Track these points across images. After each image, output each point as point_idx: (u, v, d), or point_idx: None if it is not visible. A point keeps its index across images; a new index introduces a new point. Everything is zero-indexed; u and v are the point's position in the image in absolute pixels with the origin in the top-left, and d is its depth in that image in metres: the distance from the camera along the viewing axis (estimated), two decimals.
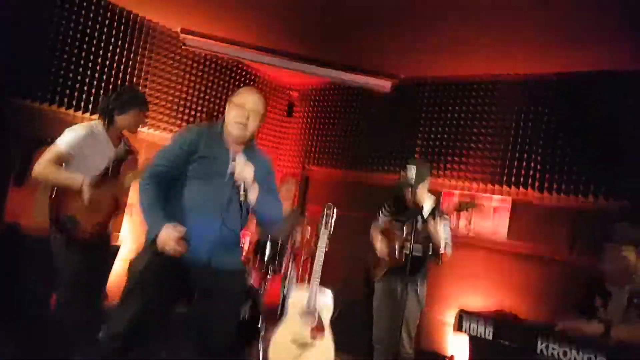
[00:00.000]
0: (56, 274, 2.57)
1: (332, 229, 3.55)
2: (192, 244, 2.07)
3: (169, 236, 2.00)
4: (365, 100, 5.24)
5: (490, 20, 3.36)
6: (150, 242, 2.05)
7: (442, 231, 3.04)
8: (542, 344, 2.40)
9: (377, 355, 3.31)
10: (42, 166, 2.50)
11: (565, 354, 2.36)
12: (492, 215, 4.24)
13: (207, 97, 5.08)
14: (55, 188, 2.51)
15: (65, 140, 2.57)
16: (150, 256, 2.11)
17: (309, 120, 5.77)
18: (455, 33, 3.64)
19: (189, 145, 2.18)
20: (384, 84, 4.90)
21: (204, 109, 5.05)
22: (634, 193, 3.45)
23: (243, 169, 2.12)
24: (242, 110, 2.19)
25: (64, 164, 2.54)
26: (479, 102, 4.43)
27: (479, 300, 3.95)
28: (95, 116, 4.07)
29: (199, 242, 2.09)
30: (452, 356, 3.67)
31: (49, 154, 2.53)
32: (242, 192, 2.13)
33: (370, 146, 5.09)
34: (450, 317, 3.98)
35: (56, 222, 2.51)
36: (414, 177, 3.11)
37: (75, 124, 2.71)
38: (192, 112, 4.97)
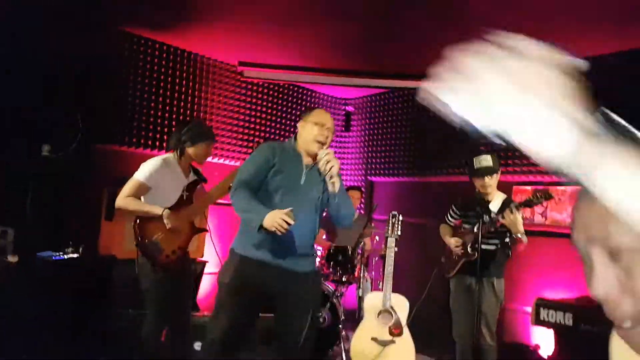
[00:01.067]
0: (144, 296, 2.87)
1: (398, 233, 3.69)
2: (273, 250, 2.36)
3: (275, 215, 2.23)
4: (420, 103, 5.31)
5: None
6: (258, 229, 2.28)
7: (520, 222, 3.05)
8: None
9: (459, 349, 3.37)
10: (123, 198, 2.79)
11: None
12: (569, 203, 4.13)
13: (268, 122, 5.41)
14: (138, 217, 2.81)
15: (142, 172, 2.83)
16: (237, 265, 2.42)
17: (366, 131, 5.94)
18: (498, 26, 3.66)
19: (266, 161, 2.45)
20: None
21: (267, 133, 5.38)
22: None
23: (331, 159, 2.34)
24: (322, 130, 2.46)
25: (142, 195, 2.83)
26: None
27: (560, 289, 3.84)
28: (162, 152, 4.54)
29: (279, 248, 2.37)
30: (537, 345, 3.60)
31: (128, 186, 2.80)
32: (329, 181, 2.34)
33: (431, 150, 5.14)
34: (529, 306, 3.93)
35: (141, 247, 2.80)
36: (489, 164, 3.19)
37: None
38: (256, 138, 5.31)
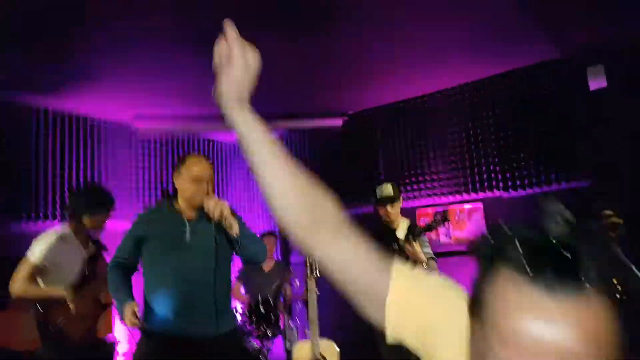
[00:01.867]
0: None
1: (318, 274, 3.75)
2: (177, 318, 2.24)
3: (126, 311, 2.20)
4: (319, 141, 5.53)
5: (415, 39, 3.67)
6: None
7: (420, 251, 3.25)
8: None
9: None
10: (19, 283, 2.59)
11: None
12: (469, 219, 4.50)
13: (168, 177, 5.30)
14: (38, 303, 2.61)
15: (35, 252, 2.65)
16: (146, 342, 2.28)
17: None
18: (383, 62, 3.96)
19: (137, 233, 2.36)
20: (335, 123, 5.24)
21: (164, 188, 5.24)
22: (593, 173, 3.75)
23: (218, 204, 2.25)
24: (202, 186, 2.34)
25: (38, 277, 2.64)
26: (428, 117, 4.77)
27: None
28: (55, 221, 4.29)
29: (184, 314, 2.25)
30: None
31: (23, 269, 2.61)
32: (227, 226, 2.27)
33: (333, 185, 5.32)
34: None
35: (44, 336, 2.62)
36: (390, 193, 3.38)
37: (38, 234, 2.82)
38: (154, 194, 5.17)
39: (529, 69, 4.10)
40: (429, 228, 3.21)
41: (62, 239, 2.77)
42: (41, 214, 4.23)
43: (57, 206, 4.34)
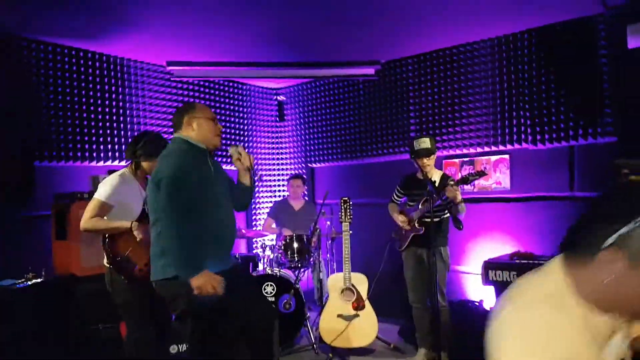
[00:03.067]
0: (119, 312, 3.07)
1: (351, 217, 4.13)
2: (218, 256, 2.54)
3: (210, 278, 2.38)
4: (352, 88, 5.74)
5: None
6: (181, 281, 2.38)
7: (460, 195, 3.56)
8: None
9: (415, 313, 3.89)
10: (88, 220, 2.94)
11: None
12: (494, 170, 4.76)
13: None
14: (107, 235, 2.97)
15: (102, 192, 2.98)
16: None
17: (301, 119, 6.28)
18: (418, 12, 4.04)
19: (192, 169, 2.50)
20: (367, 71, 5.42)
21: None
22: (619, 130, 3.96)
23: (247, 155, 2.70)
24: (218, 125, 2.70)
25: (106, 215, 2.98)
26: (461, 69, 4.93)
27: (497, 248, 4.50)
28: (100, 162, 4.61)
29: (220, 253, 2.57)
30: (481, 300, 4.24)
31: (91, 208, 2.95)
32: (256, 173, 2.76)
33: (367, 132, 5.62)
34: (473, 267, 4.65)
35: (115, 264, 2.97)
36: (427, 146, 3.66)
37: (91, 173, 3.14)
38: None
39: (568, 23, 4.21)
40: (466, 180, 3.48)
41: (123, 180, 3.07)
42: (79, 154, 4.53)
43: (94, 147, 4.65)
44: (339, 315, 4.03)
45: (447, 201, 3.59)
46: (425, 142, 3.76)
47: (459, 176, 4.72)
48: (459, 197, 3.56)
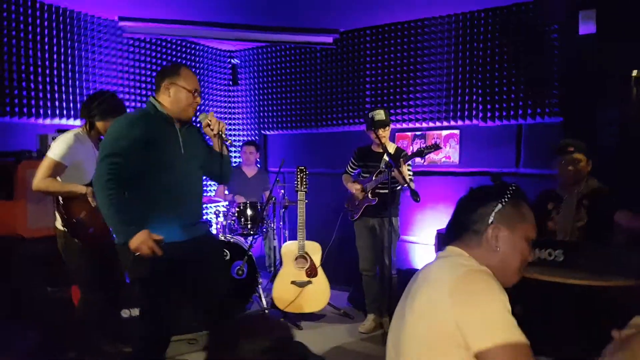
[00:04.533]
0: (71, 275, 3.09)
1: (307, 186, 4.27)
2: (177, 224, 2.51)
3: (146, 238, 2.34)
4: (309, 56, 5.79)
5: None
6: (122, 245, 2.39)
7: (407, 173, 3.76)
8: None
9: (365, 280, 4.14)
10: (42, 179, 2.90)
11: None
12: (444, 145, 5.02)
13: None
14: (60, 197, 2.95)
15: (56, 151, 2.94)
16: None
17: (256, 84, 6.28)
18: None
19: (141, 134, 2.43)
20: (326, 39, 5.49)
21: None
22: (565, 112, 4.27)
23: (219, 123, 2.66)
24: (196, 97, 2.60)
25: (59, 175, 2.95)
26: (418, 44, 5.10)
27: (444, 220, 4.78)
28: (47, 120, 4.48)
29: (181, 221, 2.53)
30: None
31: (44, 167, 2.90)
32: (226, 141, 2.69)
33: (323, 102, 5.73)
34: (421, 238, 5.00)
35: (69, 227, 2.97)
36: (382, 118, 3.82)
37: (38, 131, 3.05)
38: (144, 97, 5.37)
39: (524, 6, 4.45)
40: (420, 153, 3.68)
41: (77, 139, 3.04)
42: (25, 110, 4.39)
43: (41, 103, 4.50)
44: (292, 282, 4.21)
45: (393, 183, 3.81)
46: (381, 114, 3.93)
47: (411, 149, 4.95)
48: (407, 177, 3.75)
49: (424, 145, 3.73)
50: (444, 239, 1.53)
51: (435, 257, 1.51)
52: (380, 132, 3.93)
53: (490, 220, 1.41)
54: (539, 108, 4.46)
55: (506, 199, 1.42)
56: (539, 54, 4.41)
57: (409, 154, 3.85)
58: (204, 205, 6.13)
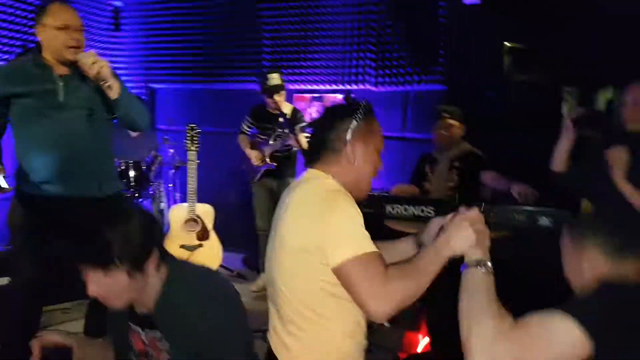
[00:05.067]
0: None
1: (198, 145, 4.14)
2: (60, 179, 2.38)
3: None
4: (203, 5, 5.46)
5: None
6: None
7: (305, 141, 3.78)
8: (388, 206, 3.02)
9: (262, 239, 4.19)
10: None
11: (405, 209, 3.06)
12: None
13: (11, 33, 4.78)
14: None
15: None
16: (21, 203, 2.43)
17: (142, 31, 5.83)
18: None
19: (6, 88, 2.32)
20: None
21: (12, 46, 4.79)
22: (448, 80, 4.50)
23: (97, 60, 2.22)
24: (70, 33, 2.31)
25: None
26: (317, 8, 5.03)
27: None
28: None
29: (65, 176, 2.38)
30: None
31: None
32: (105, 86, 2.25)
33: (217, 55, 5.47)
34: None
35: None
36: (277, 82, 3.78)
37: None
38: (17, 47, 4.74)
39: None
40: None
41: None
42: None
43: None
44: (182, 246, 4.10)
45: (290, 148, 3.83)
46: (275, 78, 3.89)
47: (309, 112, 4.99)
48: (303, 144, 3.77)
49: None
50: (305, 161, 1.62)
51: (297, 181, 1.60)
52: (276, 97, 3.90)
53: (348, 137, 1.50)
54: (424, 75, 4.67)
55: (360, 116, 1.53)
56: (427, 22, 4.59)
57: (305, 122, 3.91)
58: None
